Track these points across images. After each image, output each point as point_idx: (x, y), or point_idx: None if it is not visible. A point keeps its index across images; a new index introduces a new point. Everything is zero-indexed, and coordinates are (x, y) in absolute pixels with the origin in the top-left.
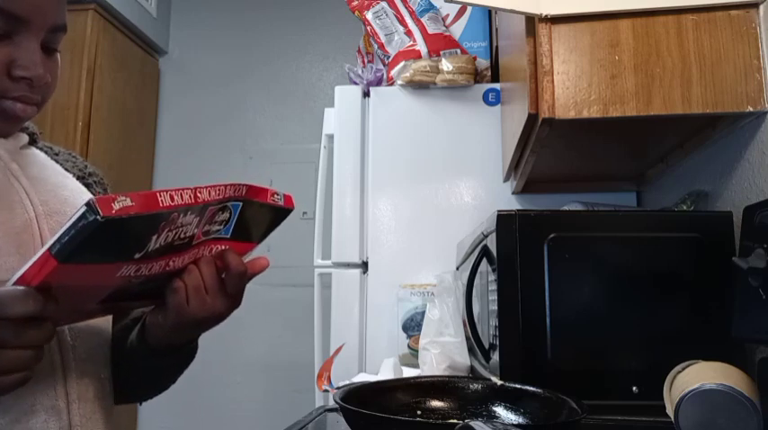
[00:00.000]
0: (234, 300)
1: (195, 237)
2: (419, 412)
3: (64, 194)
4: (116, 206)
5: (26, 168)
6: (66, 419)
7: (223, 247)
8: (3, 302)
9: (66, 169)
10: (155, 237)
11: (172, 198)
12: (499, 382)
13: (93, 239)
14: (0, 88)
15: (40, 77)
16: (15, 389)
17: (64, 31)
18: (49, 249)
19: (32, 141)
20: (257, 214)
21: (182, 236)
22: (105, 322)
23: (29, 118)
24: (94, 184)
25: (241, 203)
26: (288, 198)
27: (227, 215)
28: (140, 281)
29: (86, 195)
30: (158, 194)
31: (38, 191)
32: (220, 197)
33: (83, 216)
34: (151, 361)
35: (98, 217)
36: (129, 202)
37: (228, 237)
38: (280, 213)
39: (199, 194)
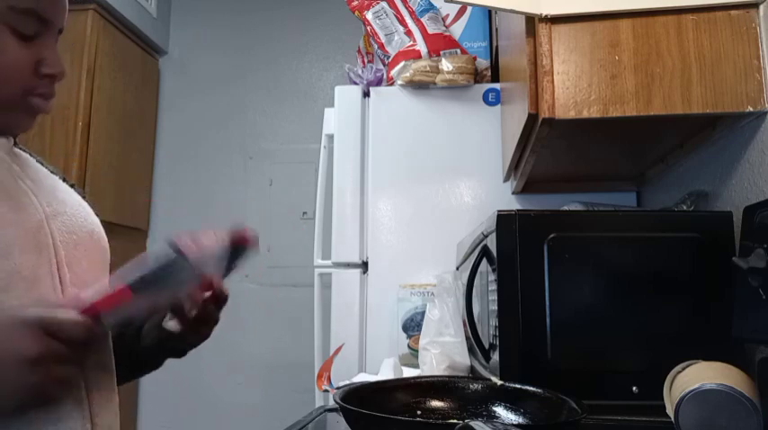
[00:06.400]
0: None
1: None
2: (419, 412)
3: (60, 196)
4: (189, 249)
5: (25, 169)
6: (87, 409)
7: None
8: (71, 329)
9: (52, 172)
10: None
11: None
12: (499, 382)
13: (168, 277)
14: (30, 85)
15: (63, 74)
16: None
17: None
18: (131, 286)
19: (15, 143)
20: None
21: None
22: None
23: (46, 112)
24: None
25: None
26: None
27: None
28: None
29: (76, 196)
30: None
31: (40, 192)
32: (228, 247)
33: (172, 258)
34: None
35: (186, 261)
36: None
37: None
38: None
39: (221, 242)
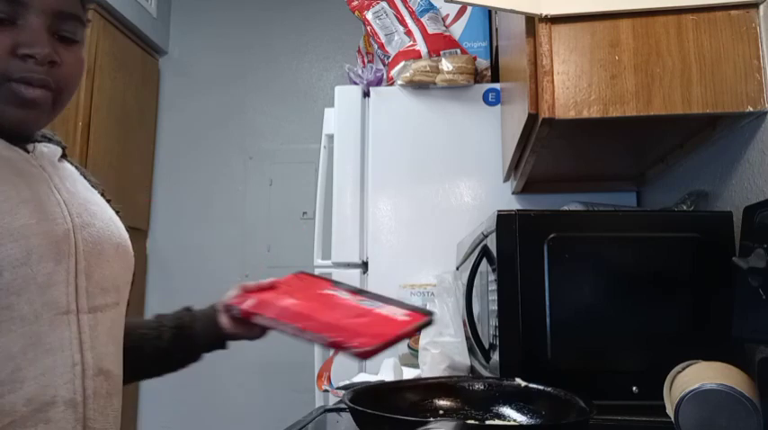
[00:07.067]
0: None
1: None
2: (428, 414)
3: (93, 209)
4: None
5: (64, 182)
6: (81, 412)
7: None
8: None
9: (93, 185)
10: None
11: None
12: (523, 384)
13: None
14: (7, 68)
15: (46, 56)
16: None
17: (75, 19)
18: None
19: (63, 155)
20: None
21: None
22: (119, 327)
23: (43, 104)
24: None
25: None
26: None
27: None
28: None
29: (110, 211)
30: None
31: (73, 204)
32: None
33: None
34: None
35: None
36: None
37: None
38: None
39: None
